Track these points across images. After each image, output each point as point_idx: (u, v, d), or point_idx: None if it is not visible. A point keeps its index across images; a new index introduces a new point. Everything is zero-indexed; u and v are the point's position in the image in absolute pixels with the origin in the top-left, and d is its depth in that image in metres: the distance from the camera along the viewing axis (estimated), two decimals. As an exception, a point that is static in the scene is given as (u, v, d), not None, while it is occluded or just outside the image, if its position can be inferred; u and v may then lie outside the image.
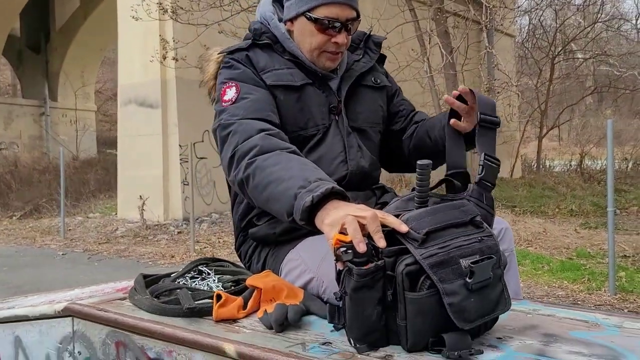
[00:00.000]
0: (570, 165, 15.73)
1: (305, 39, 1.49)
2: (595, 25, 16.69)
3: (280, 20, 1.54)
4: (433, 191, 1.11)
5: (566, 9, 17.37)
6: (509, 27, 13.31)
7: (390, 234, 1.00)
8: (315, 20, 1.45)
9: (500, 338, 1.05)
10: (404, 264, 0.95)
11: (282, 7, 1.54)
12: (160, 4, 7.98)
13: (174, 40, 8.16)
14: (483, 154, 1.15)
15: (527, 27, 19.17)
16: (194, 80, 8.12)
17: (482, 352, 0.97)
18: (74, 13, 17.26)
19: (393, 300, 0.97)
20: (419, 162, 1.04)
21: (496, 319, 1.05)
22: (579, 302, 4.64)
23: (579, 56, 18.56)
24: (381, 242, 0.98)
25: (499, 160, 1.16)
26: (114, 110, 21.25)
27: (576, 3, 17.49)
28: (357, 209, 1.04)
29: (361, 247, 0.96)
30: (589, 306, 4.53)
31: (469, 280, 0.94)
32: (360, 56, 1.61)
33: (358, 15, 1.49)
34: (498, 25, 10.24)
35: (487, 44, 8.01)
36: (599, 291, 4.87)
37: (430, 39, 8.25)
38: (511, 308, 1.23)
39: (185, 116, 8.93)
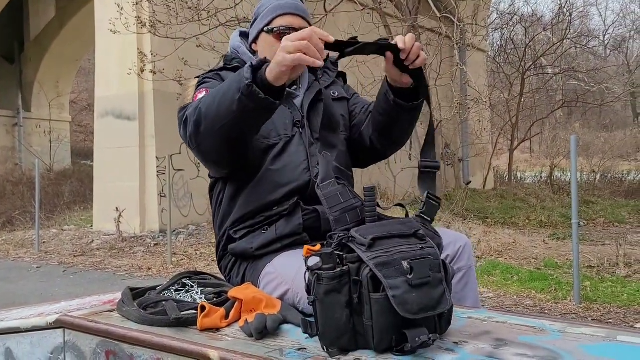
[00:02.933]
0: (541, 177, 16.17)
1: (266, 50, 1.67)
2: (564, 42, 17.24)
3: (247, 49, 1.75)
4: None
5: (536, 25, 17.92)
6: (480, 43, 13.68)
7: (347, 246, 1.14)
8: (272, 31, 1.66)
9: (456, 342, 1.18)
10: (368, 269, 1.08)
11: (247, 39, 1.76)
12: (139, 17, 8.05)
13: (152, 54, 8.23)
14: (426, 192, 1.31)
15: (498, 43, 19.70)
16: (172, 93, 8.23)
17: (439, 337, 1.13)
18: (49, 23, 17.13)
19: (359, 302, 1.10)
20: (364, 186, 1.20)
21: (449, 322, 1.19)
22: (546, 311, 4.83)
23: (549, 71, 19.14)
24: (330, 38, 1.30)
25: (439, 199, 1.31)
26: (88, 121, 21.05)
27: (545, 20, 18.07)
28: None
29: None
30: (555, 315, 4.72)
31: (409, 277, 1.08)
32: (320, 76, 1.78)
33: (310, 26, 1.68)
34: (470, 41, 10.54)
35: (458, 61, 8.26)
36: (565, 300, 5.07)
37: (404, 55, 8.46)
38: (469, 316, 1.38)
39: (162, 129, 8.97)
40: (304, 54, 1.26)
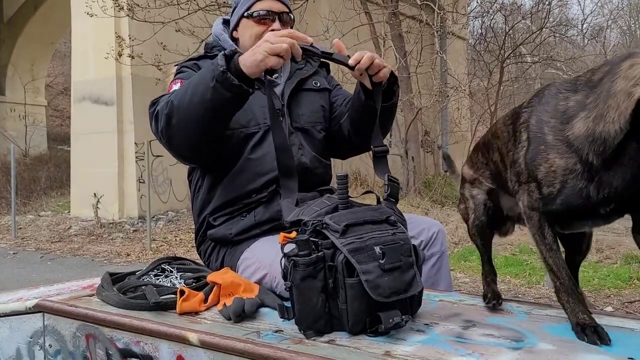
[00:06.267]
0: (518, 164, 16.35)
1: (246, 35, 1.70)
2: (543, 30, 17.39)
3: (229, 37, 1.76)
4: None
5: (516, 13, 18.04)
6: (460, 30, 13.75)
7: (322, 232, 1.17)
8: (252, 15, 1.69)
9: (427, 324, 1.22)
10: (342, 255, 1.12)
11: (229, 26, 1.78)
12: (116, 0, 7.91)
13: (130, 38, 8.10)
14: (386, 175, 1.35)
15: (478, 31, 19.80)
16: (150, 78, 8.13)
17: (411, 318, 1.18)
18: (23, 4, 16.69)
19: (334, 287, 1.14)
20: (337, 174, 1.24)
21: (419, 303, 1.23)
22: (520, 295, 4.95)
23: (528, 60, 19.32)
24: (308, 39, 1.35)
25: (397, 180, 1.36)
26: (64, 105, 20.64)
27: (525, 8, 18.20)
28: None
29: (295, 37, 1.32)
30: (528, 298, 4.84)
31: (381, 262, 1.12)
32: (303, 65, 1.80)
33: (290, 11, 1.73)
34: (450, 29, 10.60)
35: (438, 49, 8.31)
36: (538, 285, 5.21)
37: (384, 42, 8.49)
38: (440, 299, 1.43)
39: (141, 114, 8.86)
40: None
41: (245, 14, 1.70)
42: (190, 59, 1.73)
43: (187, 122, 1.44)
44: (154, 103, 1.57)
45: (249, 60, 1.35)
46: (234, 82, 1.35)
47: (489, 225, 1.43)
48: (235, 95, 1.39)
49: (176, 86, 1.58)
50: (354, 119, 1.69)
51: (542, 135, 1.18)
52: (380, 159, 1.42)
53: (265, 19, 1.68)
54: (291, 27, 1.72)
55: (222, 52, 1.41)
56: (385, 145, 1.44)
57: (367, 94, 1.56)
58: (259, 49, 1.34)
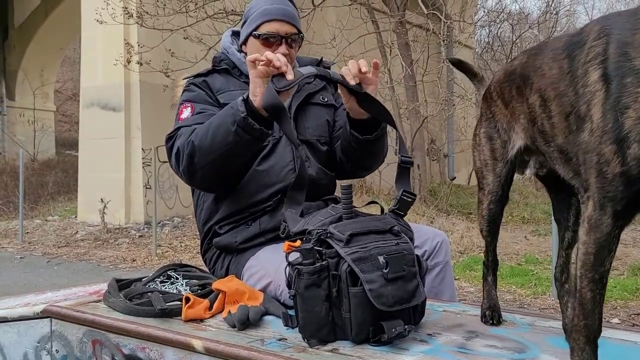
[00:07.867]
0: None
1: (252, 53, 1.69)
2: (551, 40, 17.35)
3: (238, 49, 1.78)
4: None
5: (523, 23, 18.06)
6: (467, 39, 13.78)
7: (326, 241, 1.18)
8: (259, 37, 1.70)
9: (430, 334, 1.23)
10: (346, 264, 1.13)
11: (239, 38, 1.80)
12: (126, 8, 8.00)
13: (138, 45, 8.18)
14: (402, 190, 1.35)
15: (485, 40, 19.82)
16: (158, 85, 8.20)
17: (414, 328, 1.19)
18: (34, 11, 16.87)
19: (338, 296, 1.15)
20: (342, 184, 1.25)
21: (422, 313, 1.24)
22: (525, 306, 4.93)
23: (535, 69, 19.26)
24: (289, 76, 1.35)
25: (414, 195, 1.36)
26: (73, 111, 20.81)
27: (532, 17, 18.23)
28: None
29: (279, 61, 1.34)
30: (533, 309, 4.82)
31: (385, 271, 1.13)
32: (312, 79, 1.80)
33: (299, 32, 1.73)
34: (457, 37, 10.63)
35: (444, 58, 8.34)
36: (544, 295, 5.18)
37: (391, 50, 8.53)
38: (444, 309, 1.43)
39: (148, 120, 8.93)
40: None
41: (253, 33, 1.71)
42: (199, 75, 1.75)
43: (209, 160, 1.51)
44: (170, 137, 1.62)
45: (252, 96, 1.42)
46: (255, 126, 1.43)
47: (500, 213, 1.32)
48: (257, 136, 1.47)
49: (187, 111, 1.63)
50: (344, 146, 1.72)
51: (628, 62, 0.87)
52: (403, 169, 1.42)
53: (271, 41, 1.69)
54: (299, 47, 1.73)
55: (241, 97, 1.47)
56: (411, 158, 1.44)
57: (352, 124, 1.61)
58: (251, 83, 1.41)
